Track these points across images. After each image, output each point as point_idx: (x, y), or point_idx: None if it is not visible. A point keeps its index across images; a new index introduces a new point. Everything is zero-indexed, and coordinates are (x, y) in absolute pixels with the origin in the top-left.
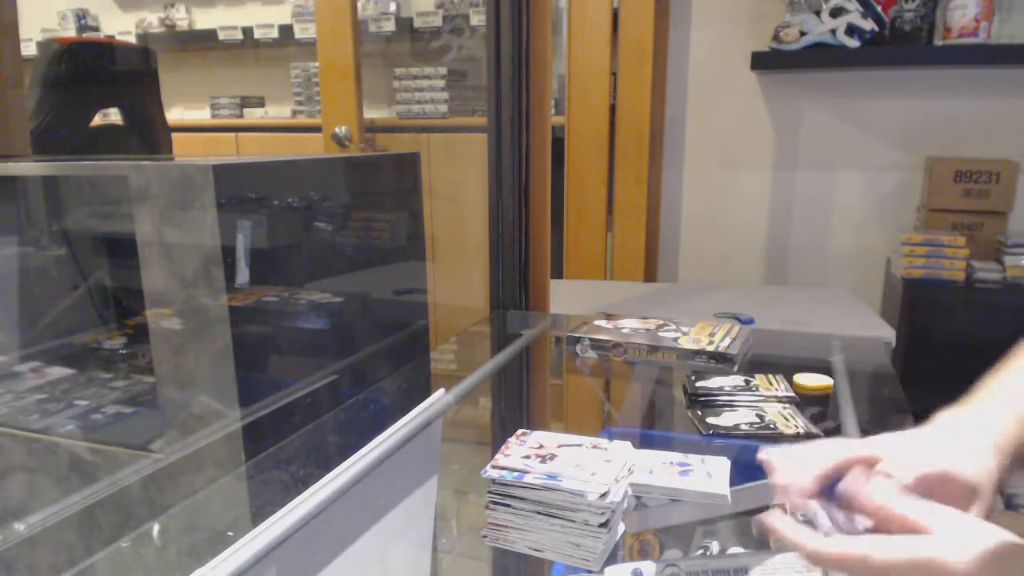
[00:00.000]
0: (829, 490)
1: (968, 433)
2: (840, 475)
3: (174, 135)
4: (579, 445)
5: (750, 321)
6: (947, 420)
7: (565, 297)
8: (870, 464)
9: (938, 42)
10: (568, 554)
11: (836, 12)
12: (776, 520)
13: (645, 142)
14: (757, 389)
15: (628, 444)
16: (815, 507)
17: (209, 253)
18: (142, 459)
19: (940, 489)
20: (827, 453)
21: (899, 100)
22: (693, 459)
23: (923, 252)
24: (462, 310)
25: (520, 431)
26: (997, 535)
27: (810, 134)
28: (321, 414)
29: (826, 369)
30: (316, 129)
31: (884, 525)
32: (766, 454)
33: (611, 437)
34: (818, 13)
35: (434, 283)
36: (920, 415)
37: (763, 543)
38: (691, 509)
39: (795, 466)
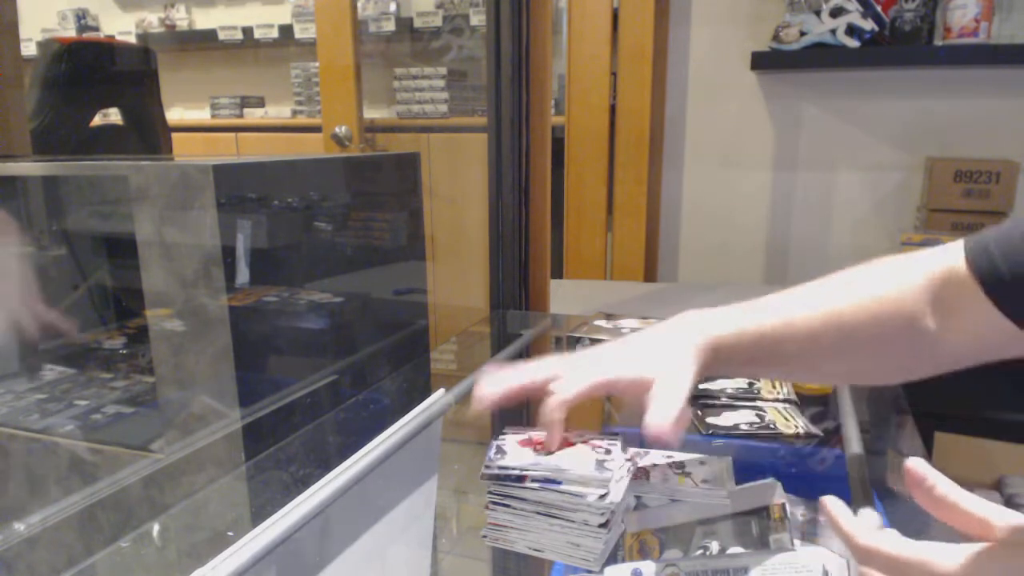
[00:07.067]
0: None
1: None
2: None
3: (174, 135)
4: (578, 444)
5: None
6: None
7: (565, 297)
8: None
9: (938, 42)
10: (568, 554)
11: (836, 12)
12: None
13: (645, 142)
14: (759, 393)
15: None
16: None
17: (209, 253)
18: (142, 459)
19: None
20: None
21: (899, 100)
22: (693, 459)
23: None
24: (462, 310)
25: (505, 430)
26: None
27: (810, 134)
28: (321, 414)
29: None
30: (316, 129)
31: (949, 518)
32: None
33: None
34: (818, 13)
35: (434, 283)
36: (920, 415)
37: (763, 543)
38: (691, 509)
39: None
